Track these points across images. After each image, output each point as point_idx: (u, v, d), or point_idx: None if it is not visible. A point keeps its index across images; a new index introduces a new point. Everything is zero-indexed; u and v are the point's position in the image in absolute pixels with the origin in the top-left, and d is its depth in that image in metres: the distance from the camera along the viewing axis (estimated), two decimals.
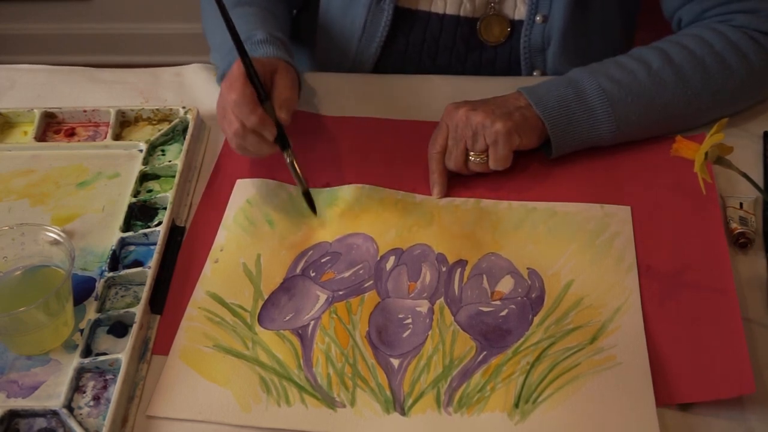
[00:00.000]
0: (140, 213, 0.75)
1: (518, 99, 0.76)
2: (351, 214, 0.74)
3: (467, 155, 0.76)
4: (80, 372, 0.62)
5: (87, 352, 0.63)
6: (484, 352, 0.63)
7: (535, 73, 0.90)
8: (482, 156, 0.75)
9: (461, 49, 0.91)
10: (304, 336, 0.65)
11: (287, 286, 0.69)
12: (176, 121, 0.83)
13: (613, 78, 0.76)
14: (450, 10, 0.88)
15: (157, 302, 0.67)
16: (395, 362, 0.63)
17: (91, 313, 0.66)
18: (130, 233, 0.72)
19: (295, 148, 0.81)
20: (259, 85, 0.71)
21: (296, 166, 0.73)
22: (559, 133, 0.76)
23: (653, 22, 0.91)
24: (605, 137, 0.77)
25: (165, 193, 0.76)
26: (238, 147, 0.73)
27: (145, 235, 0.72)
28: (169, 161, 0.79)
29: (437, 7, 0.89)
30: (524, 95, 0.76)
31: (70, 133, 0.85)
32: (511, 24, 0.88)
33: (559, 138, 0.76)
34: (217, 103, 0.76)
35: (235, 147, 0.74)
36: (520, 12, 0.88)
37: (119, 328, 0.65)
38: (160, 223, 0.73)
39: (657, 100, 0.76)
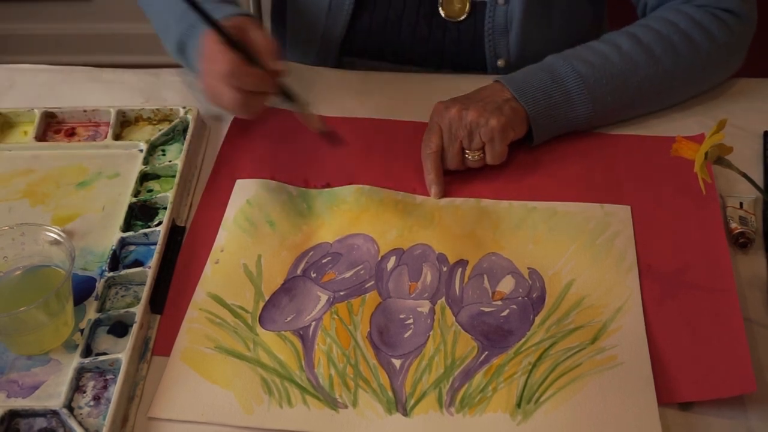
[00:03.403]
0: (140, 213, 0.75)
1: (502, 91, 0.77)
2: (351, 215, 0.74)
3: (463, 153, 0.76)
4: (80, 372, 0.62)
5: (87, 352, 0.63)
6: (486, 353, 0.63)
7: (499, 63, 0.91)
8: (479, 153, 0.76)
9: (423, 27, 0.91)
10: (305, 337, 0.65)
11: (288, 287, 0.68)
12: (176, 121, 0.83)
13: (587, 61, 0.78)
14: None
15: (157, 302, 0.67)
16: (397, 363, 0.63)
17: (92, 313, 0.66)
18: (131, 233, 0.72)
19: (296, 149, 0.81)
20: (243, 48, 0.70)
21: (310, 111, 0.73)
22: (540, 121, 0.77)
23: (625, 18, 0.92)
24: (582, 120, 0.79)
25: (165, 193, 0.75)
26: (243, 114, 0.75)
27: (146, 234, 0.72)
28: (170, 161, 0.79)
29: None
30: (506, 87, 0.77)
31: (71, 133, 0.84)
32: (472, 3, 0.89)
33: (540, 125, 0.77)
34: (203, 83, 0.75)
35: (241, 115, 0.76)
36: None
37: (119, 328, 0.65)
38: (160, 223, 0.73)
39: (630, 80, 0.79)
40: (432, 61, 0.92)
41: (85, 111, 0.85)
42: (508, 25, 0.88)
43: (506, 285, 0.68)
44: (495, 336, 0.64)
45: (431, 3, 0.90)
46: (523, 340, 0.64)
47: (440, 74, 0.91)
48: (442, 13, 0.90)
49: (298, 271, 0.70)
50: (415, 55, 0.93)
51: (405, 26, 0.91)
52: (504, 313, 0.66)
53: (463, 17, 0.89)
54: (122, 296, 0.68)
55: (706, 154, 0.62)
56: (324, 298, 0.67)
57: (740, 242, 0.70)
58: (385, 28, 0.92)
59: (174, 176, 0.77)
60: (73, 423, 0.59)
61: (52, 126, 0.85)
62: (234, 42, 0.70)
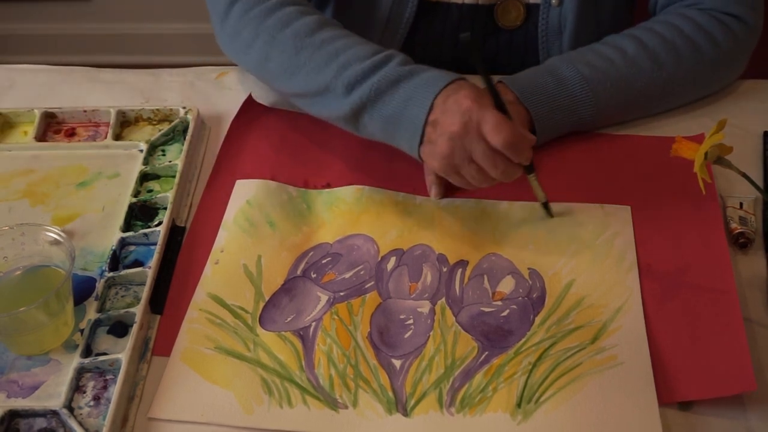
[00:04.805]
0: (140, 213, 0.75)
1: (505, 93, 0.77)
2: (351, 215, 0.74)
3: None
4: (80, 372, 0.62)
5: (87, 352, 0.63)
6: (486, 353, 0.63)
7: None
8: None
9: (479, 35, 0.91)
10: (305, 337, 0.65)
11: (288, 288, 0.68)
12: (176, 121, 0.83)
13: (591, 64, 0.78)
14: None
15: (157, 302, 0.67)
16: (397, 363, 0.63)
17: (91, 313, 0.66)
18: (131, 233, 0.72)
19: (295, 149, 0.82)
20: (510, 117, 0.67)
21: (538, 181, 0.72)
22: (542, 123, 0.77)
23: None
24: (586, 122, 0.79)
25: (165, 193, 0.75)
26: (496, 180, 0.69)
27: (146, 235, 0.72)
28: (170, 161, 0.79)
29: None
30: (510, 88, 0.77)
31: (70, 133, 0.84)
32: (526, 8, 0.89)
33: (543, 128, 0.77)
34: (449, 147, 0.68)
35: (484, 185, 0.70)
36: None
37: (119, 328, 0.65)
38: (160, 223, 0.73)
39: (634, 85, 0.79)
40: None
41: (85, 111, 0.85)
42: (561, 26, 0.88)
43: (506, 285, 0.68)
44: (495, 336, 0.64)
45: (488, 13, 0.90)
46: (523, 340, 0.64)
47: None
48: (498, 22, 0.90)
49: (298, 272, 0.70)
50: (468, 63, 0.92)
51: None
52: (504, 313, 0.66)
53: (518, 24, 0.90)
54: (122, 296, 0.68)
55: (706, 154, 0.62)
56: (324, 298, 0.67)
57: (740, 242, 0.70)
58: (442, 40, 0.92)
59: (174, 176, 0.77)
60: (73, 423, 0.59)
61: (52, 126, 0.85)
62: (507, 111, 0.67)
